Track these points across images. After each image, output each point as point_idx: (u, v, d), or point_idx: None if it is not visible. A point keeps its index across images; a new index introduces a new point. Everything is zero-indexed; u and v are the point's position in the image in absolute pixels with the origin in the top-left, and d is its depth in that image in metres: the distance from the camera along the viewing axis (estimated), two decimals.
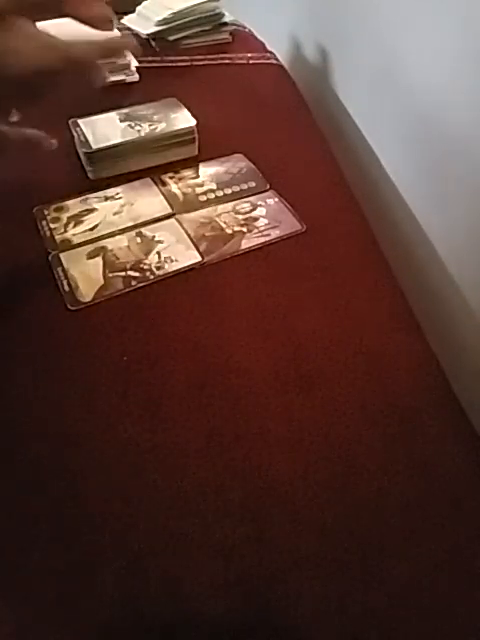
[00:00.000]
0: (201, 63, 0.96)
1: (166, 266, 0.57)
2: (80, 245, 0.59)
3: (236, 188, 0.68)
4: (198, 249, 0.59)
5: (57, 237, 0.60)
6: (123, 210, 0.64)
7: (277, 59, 1.02)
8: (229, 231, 0.62)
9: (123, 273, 0.56)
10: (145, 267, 0.57)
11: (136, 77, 0.88)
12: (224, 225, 0.62)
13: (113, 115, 0.71)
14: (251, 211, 0.65)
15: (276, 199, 0.66)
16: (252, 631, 0.35)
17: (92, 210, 0.64)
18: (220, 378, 0.48)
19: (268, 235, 0.61)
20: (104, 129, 0.69)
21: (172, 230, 0.61)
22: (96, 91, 0.43)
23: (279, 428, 0.44)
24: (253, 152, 0.73)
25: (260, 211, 0.65)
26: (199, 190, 0.67)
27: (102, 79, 0.42)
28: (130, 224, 0.62)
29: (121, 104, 0.73)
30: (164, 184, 0.68)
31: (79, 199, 0.65)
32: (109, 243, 0.60)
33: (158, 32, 0.97)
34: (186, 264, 0.57)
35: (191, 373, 0.48)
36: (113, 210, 0.64)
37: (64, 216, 0.63)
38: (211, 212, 0.64)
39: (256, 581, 0.37)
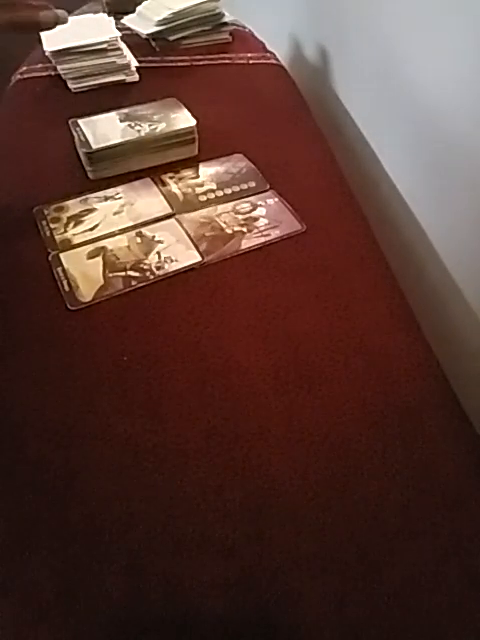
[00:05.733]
0: (201, 63, 0.96)
1: (166, 266, 0.57)
2: (80, 245, 0.59)
3: (236, 188, 0.68)
4: (198, 249, 0.59)
5: (57, 237, 0.60)
6: (123, 210, 0.64)
7: (277, 59, 1.02)
8: (229, 231, 0.62)
9: (123, 273, 0.56)
10: (145, 267, 0.57)
11: (136, 77, 0.88)
12: (224, 225, 0.62)
13: (113, 115, 0.71)
14: (251, 211, 0.65)
15: (276, 199, 0.66)
16: (252, 631, 0.35)
17: (92, 210, 0.64)
18: (220, 378, 0.48)
19: (268, 235, 0.61)
20: (104, 129, 0.69)
21: (172, 230, 0.61)
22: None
23: (279, 428, 0.44)
24: (253, 152, 0.73)
25: (260, 211, 0.65)
26: (199, 190, 0.67)
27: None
28: (130, 224, 0.62)
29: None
30: (164, 184, 0.68)
31: (79, 199, 0.65)
32: (109, 243, 0.60)
33: (158, 32, 0.97)
34: (186, 264, 0.57)
35: (191, 373, 0.48)
36: (113, 210, 0.64)
37: (64, 216, 0.63)
38: (211, 212, 0.64)
39: (256, 581, 0.37)
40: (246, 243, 0.60)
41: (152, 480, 0.41)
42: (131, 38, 0.96)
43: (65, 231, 0.61)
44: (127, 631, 0.35)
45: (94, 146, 0.66)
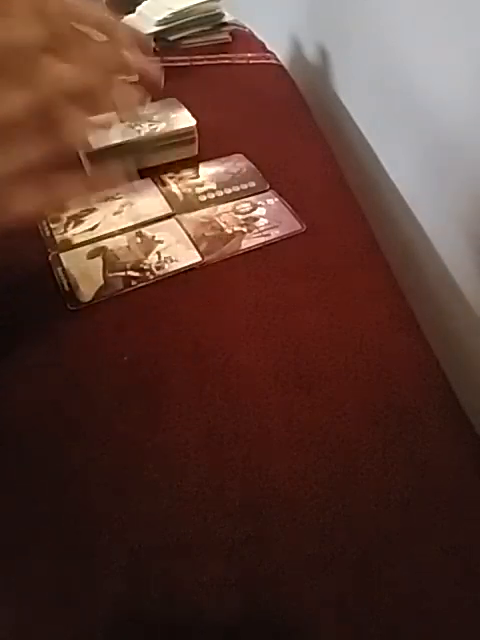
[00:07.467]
0: (201, 63, 0.96)
1: (166, 266, 0.57)
2: (80, 245, 0.59)
3: (236, 188, 0.68)
4: (198, 249, 0.59)
5: (57, 237, 0.60)
6: (123, 210, 0.64)
7: (277, 59, 1.02)
8: (229, 231, 0.62)
9: (123, 273, 0.56)
10: (145, 267, 0.57)
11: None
12: (224, 225, 0.62)
13: (113, 115, 0.71)
14: (251, 211, 0.65)
15: (276, 199, 0.66)
16: (252, 631, 0.35)
17: (92, 210, 0.64)
18: (220, 378, 0.48)
19: (268, 235, 0.61)
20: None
21: (172, 230, 0.61)
22: None
23: (279, 428, 0.44)
24: (253, 152, 0.73)
25: (260, 211, 0.65)
26: (199, 190, 0.67)
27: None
28: (130, 224, 0.62)
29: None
30: (164, 184, 0.68)
31: None
32: (109, 243, 0.60)
33: (158, 32, 0.97)
34: (186, 264, 0.57)
35: (191, 373, 0.48)
36: (113, 210, 0.64)
37: (64, 216, 0.63)
38: (211, 212, 0.64)
39: (256, 581, 0.37)
40: (246, 243, 0.60)
41: (152, 480, 0.41)
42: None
43: (65, 231, 0.61)
44: (127, 631, 0.35)
45: (94, 146, 0.66)
